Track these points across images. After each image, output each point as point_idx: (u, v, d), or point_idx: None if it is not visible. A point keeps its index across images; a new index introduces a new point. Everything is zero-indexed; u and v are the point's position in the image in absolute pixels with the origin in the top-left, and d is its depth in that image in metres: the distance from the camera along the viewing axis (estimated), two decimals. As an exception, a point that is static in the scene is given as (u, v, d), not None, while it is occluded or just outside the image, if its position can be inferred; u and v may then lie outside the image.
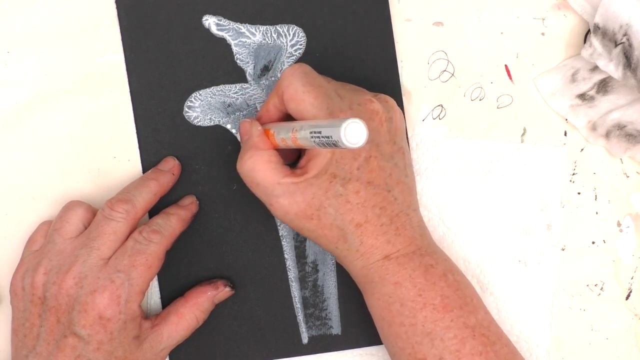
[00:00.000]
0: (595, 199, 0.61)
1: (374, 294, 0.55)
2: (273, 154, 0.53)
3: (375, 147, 0.53)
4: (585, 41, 0.60)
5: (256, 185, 0.53)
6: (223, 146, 0.60)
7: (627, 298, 0.61)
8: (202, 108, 0.60)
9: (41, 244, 0.57)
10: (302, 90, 0.52)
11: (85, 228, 0.56)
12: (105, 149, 0.60)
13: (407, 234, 0.54)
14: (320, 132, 0.46)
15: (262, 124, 0.55)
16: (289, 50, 0.60)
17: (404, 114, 0.60)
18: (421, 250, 0.55)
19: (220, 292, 0.59)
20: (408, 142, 0.60)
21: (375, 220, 0.53)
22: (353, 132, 0.43)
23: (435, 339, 0.53)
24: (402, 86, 0.60)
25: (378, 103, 0.54)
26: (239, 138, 0.60)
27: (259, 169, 0.53)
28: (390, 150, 0.54)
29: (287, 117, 0.55)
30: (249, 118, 0.57)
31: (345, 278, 0.60)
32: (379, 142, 0.54)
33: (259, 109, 0.60)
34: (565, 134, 0.61)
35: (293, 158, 0.58)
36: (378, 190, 0.53)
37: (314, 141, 0.47)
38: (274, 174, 0.53)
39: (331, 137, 0.44)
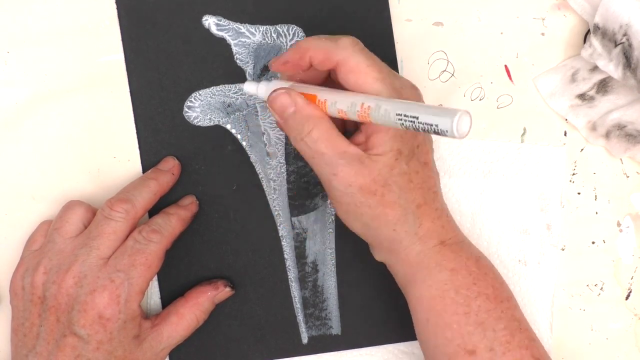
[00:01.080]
0: (595, 199, 0.61)
1: (426, 281, 0.53)
2: (331, 121, 0.51)
3: None
4: (585, 41, 0.60)
5: (321, 155, 0.51)
6: (223, 146, 0.60)
7: (627, 298, 0.61)
8: (202, 108, 0.60)
9: (41, 243, 0.57)
10: (366, 63, 0.51)
11: (86, 228, 0.56)
12: (105, 149, 0.60)
13: (453, 224, 0.55)
14: (417, 118, 0.45)
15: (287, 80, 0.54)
16: (289, 50, 0.60)
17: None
18: (466, 242, 0.55)
19: (220, 292, 0.59)
20: None
21: (431, 203, 0.53)
22: (463, 123, 0.43)
23: (487, 330, 0.52)
24: (402, 86, 0.60)
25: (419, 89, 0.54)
26: (239, 138, 0.60)
27: (324, 138, 0.51)
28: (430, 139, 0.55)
29: (322, 81, 0.54)
30: (281, 88, 0.53)
31: (345, 278, 0.60)
32: None
33: (258, 109, 0.60)
34: (565, 134, 0.61)
35: None
36: (431, 173, 0.53)
37: (402, 123, 0.46)
38: (340, 141, 0.51)
39: (436, 125, 0.44)
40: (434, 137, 0.56)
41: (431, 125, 0.44)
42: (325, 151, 0.51)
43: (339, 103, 0.50)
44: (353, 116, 0.49)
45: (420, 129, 0.45)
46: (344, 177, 0.51)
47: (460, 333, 0.52)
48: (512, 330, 0.52)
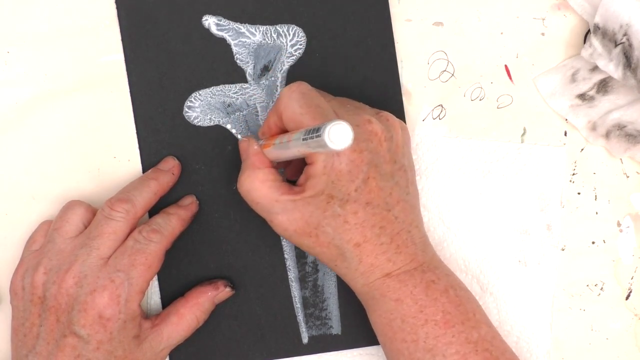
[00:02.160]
0: (595, 199, 0.61)
1: (376, 310, 0.55)
2: (270, 172, 0.54)
3: (374, 167, 0.53)
4: (585, 41, 0.60)
5: (256, 204, 0.54)
6: (223, 146, 0.60)
7: (627, 298, 0.61)
8: (202, 108, 0.60)
9: (41, 243, 0.57)
10: (299, 112, 0.52)
11: (86, 227, 0.56)
12: (105, 149, 0.60)
13: (409, 251, 0.54)
14: (309, 137, 0.46)
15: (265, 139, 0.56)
16: (289, 50, 0.60)
17: (404, 114, 0.60)
18: (423, 267, 0.54)
19: (220, 292, 0.59)
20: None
21: (374, 239, 0.53)
22: (337, 134, 0.43)
23: (437, 355, 0.52)
24: (402, 86, 0.60)
25: (378, 123, 0.53)
26: (239, 138, 0.60)
27: (256, 188, 0.54)
28: (391, 170, 0.54)
29: None
30: (246, 137, 0.56)
31: (345, 278, 0.60)
32: (377, 162, 0.53)
33: (258, 109, 0.60)
34: (565, 134, 0.61)
35: (299, 174, 0.57)
36: (377, 210, 0.53)
37: (307, 144, 0.47)
38: (272, 191, 0.53)
39: (318, 136, 0.45)
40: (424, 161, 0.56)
41: (318, 137, 0.45)
42: (259, 201, 0.54)
43: (278, 140, 0.53)
44: (286, 147, 0.51)
45: (316, 147, 0.46)
46: (279, 224, 0.54)
47: (412, 359, 0.53)
48: (464, 354, 0.52)
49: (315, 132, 0.45)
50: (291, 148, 0.50)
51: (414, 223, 0.55)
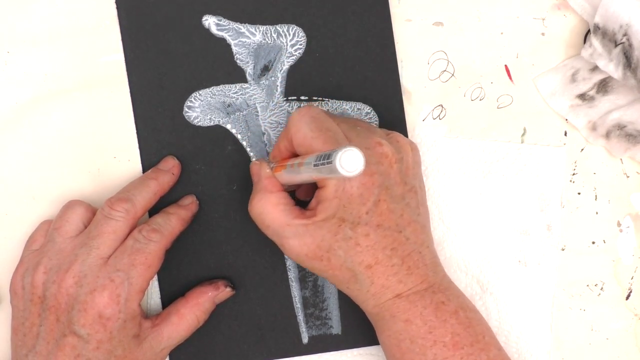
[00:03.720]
0: (595, 199, 0.61)
1: (385, 331, 0.55)
2: (282, 195, 0.54)
3: (385, 190, 0.53)
4: (585, 41, 0.60)
5: (266, 227, 0.54)
6: (223, 146, 0.60)
7: (627, 298, 0.61)
8: (202, 108, 0.60)
9: (41, 243, 0.57)
10: (310, 136, 0.52)
11: (86, 227, 0.56)
12: (105, 149, 0.60)
13: (419, 272, 0.54)
14: (320, 162, 0.46)
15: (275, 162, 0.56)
16: (289, 50, 0.60)
17: (404, 114, 0.60)
18: (433, 288, 0.54)
19: (221, 292, 0.59)
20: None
21: (386, 261, 0.53)
22: (348, 160, 0.44)
23: None
24: (402, 86, 0.61)
25: (388, 145, 0.53)
26: (239, 138, 0.60)
27: (268, 212, 0.54)
28: (402, 191, 0.54)
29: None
30: (257, 160, 0.57)
31: (345, 278, 0.60)
32: (388, 185, 0.53)
33: (258, 109, 0.60)
34: (565, 134, 0.61)
35: (310, 195, 0.58)
36: (388, 232, 0.53)
37: (318, 170, 0.47)
38: (283, 215, 0.53)
39: (330, 164, 0.45)
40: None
41: (329, 163, 0.45)
42: (271, 225, 0.54)
43: (289, 164, 0.53)
44: (297, 171, 0.51)
45: (327, 172, 0.46)
46: (290, 249, 0.53)
47: None
48: None
49: (326, 158, 0.45)
50: (302, 173, 0.50)
51: (424, 243, 0.55)
